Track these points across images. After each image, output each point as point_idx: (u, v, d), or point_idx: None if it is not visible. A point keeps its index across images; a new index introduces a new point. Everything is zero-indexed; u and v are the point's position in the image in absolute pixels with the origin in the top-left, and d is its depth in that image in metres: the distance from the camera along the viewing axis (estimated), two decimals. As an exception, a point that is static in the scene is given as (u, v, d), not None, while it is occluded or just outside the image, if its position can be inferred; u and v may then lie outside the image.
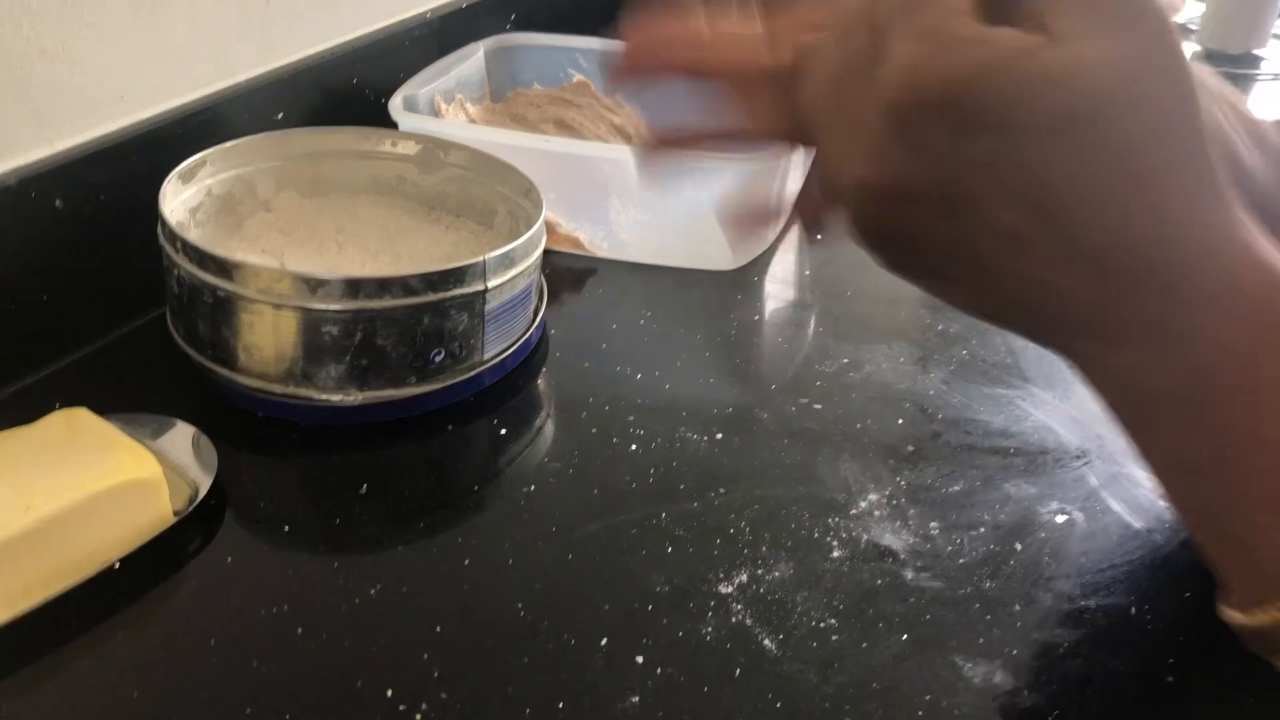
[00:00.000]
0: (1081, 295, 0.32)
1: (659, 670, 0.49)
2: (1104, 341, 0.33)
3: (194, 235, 0.68)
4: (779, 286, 0.80)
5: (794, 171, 0.76)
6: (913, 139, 0.31)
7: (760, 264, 0.82)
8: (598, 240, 0.80)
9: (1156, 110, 0.30)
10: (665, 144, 0.38)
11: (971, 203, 0.31)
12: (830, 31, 0.34)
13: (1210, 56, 1.21)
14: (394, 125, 0.79)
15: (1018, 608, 0.52)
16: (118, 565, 0.52)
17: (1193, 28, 1.25)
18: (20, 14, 0.62)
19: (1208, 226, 0.31)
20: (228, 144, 0.70)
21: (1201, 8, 1.24)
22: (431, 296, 0.61)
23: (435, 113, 0.83)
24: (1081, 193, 0.30)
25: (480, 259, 0.62)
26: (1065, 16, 0.30)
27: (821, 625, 0.51)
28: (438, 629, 0.50)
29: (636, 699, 0.47)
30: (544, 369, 0.69)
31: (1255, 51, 1.21)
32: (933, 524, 0.57)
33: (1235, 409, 0.32)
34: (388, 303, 0.60)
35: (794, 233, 0.86)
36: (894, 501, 0.59)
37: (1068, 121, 0.30)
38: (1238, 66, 1.19)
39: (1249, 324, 0.31)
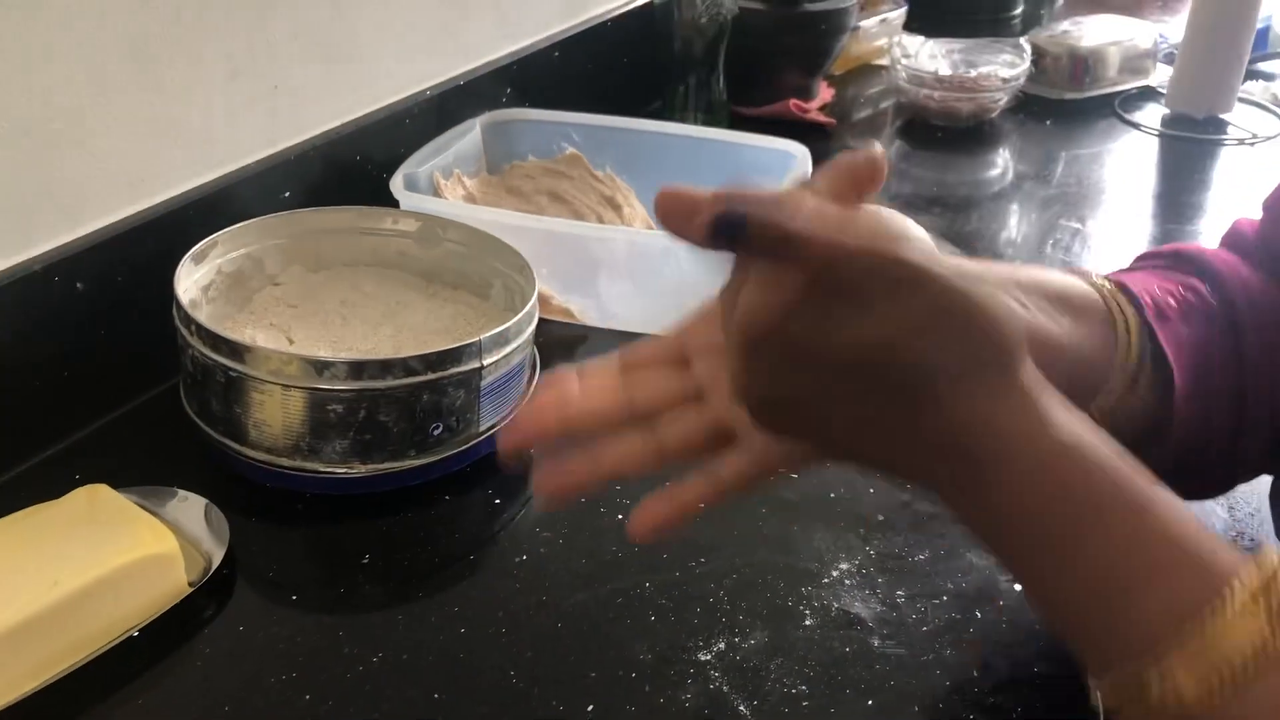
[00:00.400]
0: (917, 470, 0.41)
1: (641, 736, 0.53)
2: (942, 497, 0.41)
3: (205, 312, 0.72)
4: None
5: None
6: (751, 367, 0.39)
7: (742, 332, 0.86)
8: (588, 311, 0.84)
9: (941, 350, 0.37)
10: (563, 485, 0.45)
11: (808, 407, 0.39)
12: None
13: (1176, 120, 1.26)
14: (395, 201, 0.83)
15: (975, 674, 0.56)
16: (137, 634, 0.56)
17: (1161, 91, 1.30)
18: (51, 112, 0.66)
19: (1004, 411, 0.38)
20: (237, 225, 0.75)
21: (1169, 71, 1.29)
22: (431, 376, 0.65)
23: (434, 189, 0.87)
24: (887, 408, 0.38)
25: (477, 339, 0.66)
26: (850, 292, 0.37)
27: (793, 691, 0.55)
28: (435, 695, 0.54)
29: (620, 763, 0.51)
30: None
31: (1220, 115, 1.26)
32: (899, 592, 0.61)
33: (1038, 551, 0.40)
34: (390, 382, 0.64)
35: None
36: (864, 570, 0.63)
37: (862, 368, 0.38)
38: (1203, 131, 1.24)
39: (1040, 483, 0.39)
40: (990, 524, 0.41)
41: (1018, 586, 0.62)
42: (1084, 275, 0.53)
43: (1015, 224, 1.07)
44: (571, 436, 0.45)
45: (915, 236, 0.39)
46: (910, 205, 1.08)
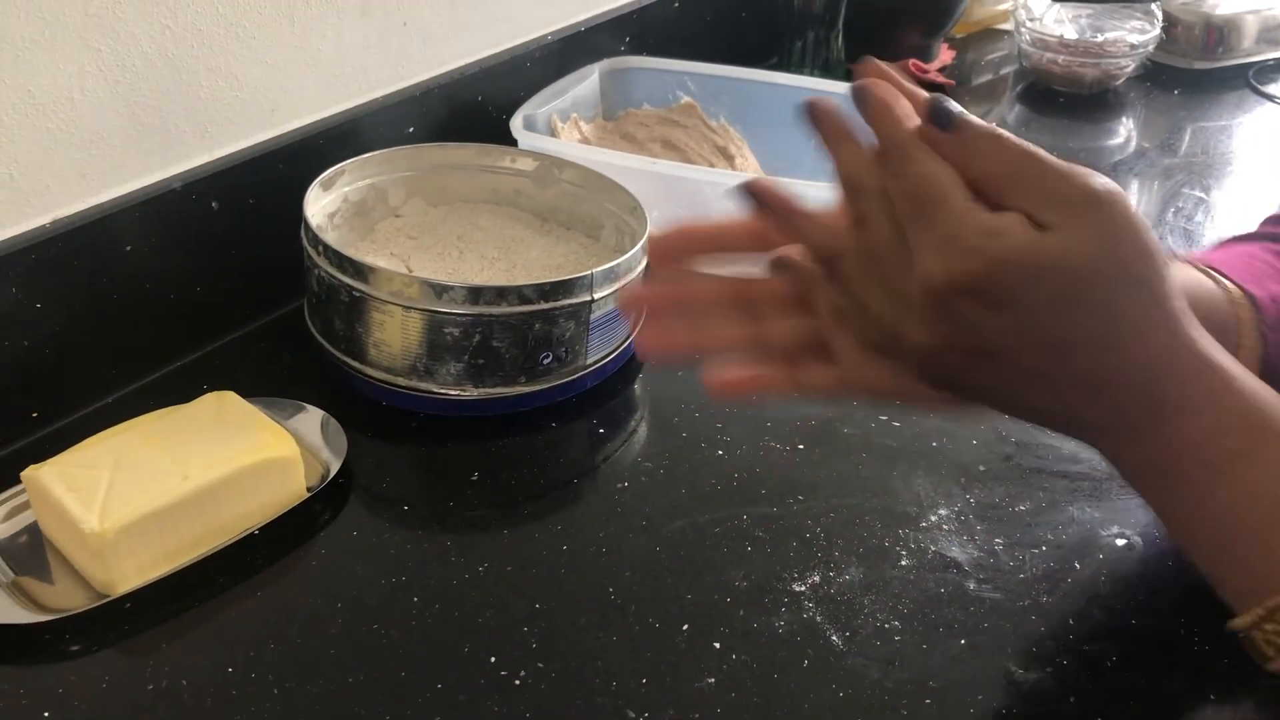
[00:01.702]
0: (1086, 409, 0.42)
1: (734, 656, 0.54)
2: (1106, 436, 0.44)
3: (330, 238, 0.75)
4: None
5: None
6: (949, 314, 0.40)
7: (850, 285, 0.86)
8: (697, 256, 0.85)
9: (1125, 276, 0.39)
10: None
11: (1000, 355, 0.41)
12: (847, 216, 0.42)
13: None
14: (514, 142, 0.85)
15: (1071, 622, 0.56)
16: (258, 532, 0.59)
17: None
18: (193, 37, 0.69)
19: (1169, 349, 0.41)
20: (364, 155, 0.77)
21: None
22: (544, 305, 0.67)
23: (552, 131, 0.89)
24: (1078, 342, 0.40)
25: (589, 272, 0.68)
26: (1047, 212, 0.39)
27: (886, 626, 0.56)
28: (537, 606, 0.56)
29: (712, 680, 0.52)
30: (640, 375, 0.75)
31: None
32: (997, 540, 0.61)
33: (1199, 481, 0.42)
34: (505, 309, 0.66)
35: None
36: (962, 517, 0.63)
37: (1065, 296, 0.39)
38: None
39: (1205, 417, 0.41)
40: (1150, 458, 0.43)
41: (1120, 542, 0.61)
42: (1216, 276, 0.54)
43: (1135, 192, 1.05)
44: (683, 305, 0.48)
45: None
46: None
